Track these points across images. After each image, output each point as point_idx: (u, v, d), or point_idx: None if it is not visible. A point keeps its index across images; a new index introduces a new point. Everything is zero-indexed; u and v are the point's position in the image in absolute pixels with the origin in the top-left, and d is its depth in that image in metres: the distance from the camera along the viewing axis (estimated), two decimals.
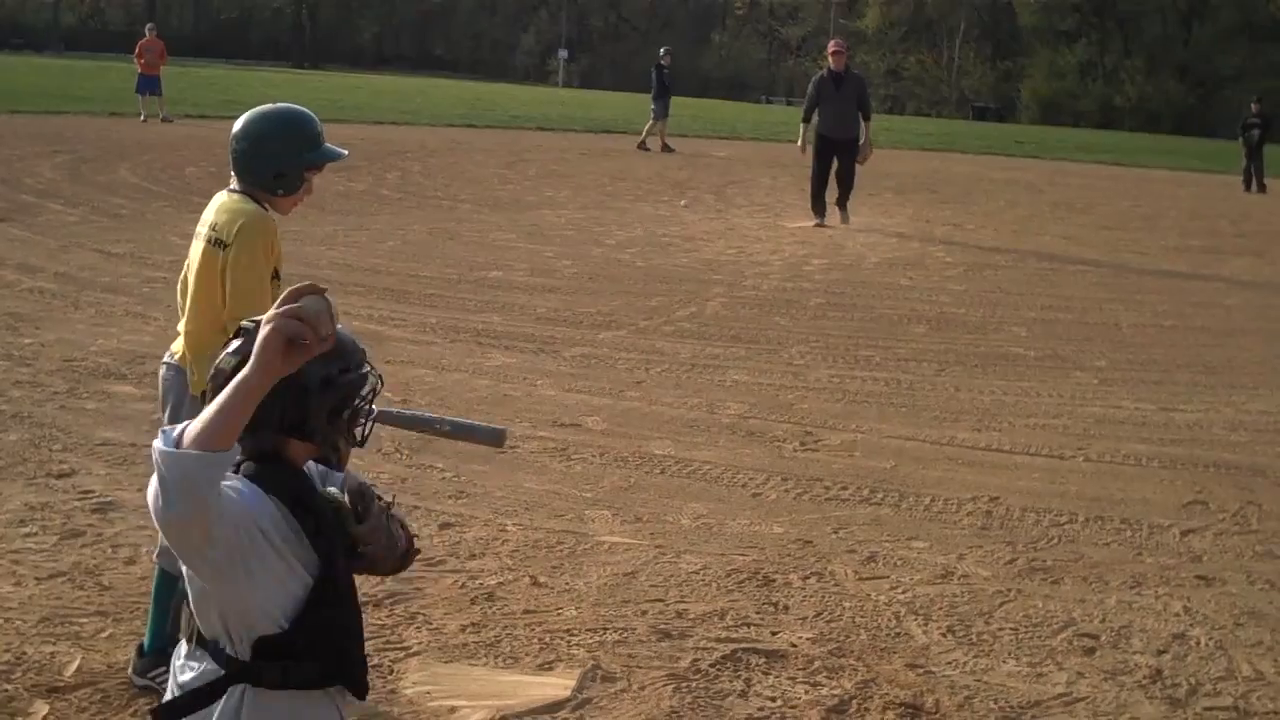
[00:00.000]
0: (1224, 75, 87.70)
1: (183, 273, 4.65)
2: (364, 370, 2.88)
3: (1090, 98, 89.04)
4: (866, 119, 18.94)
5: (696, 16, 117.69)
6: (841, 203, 19.35)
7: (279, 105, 4.57)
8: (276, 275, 4.48)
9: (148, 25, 35.35)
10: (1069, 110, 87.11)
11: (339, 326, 2.77)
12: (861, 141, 18.96)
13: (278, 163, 4.44)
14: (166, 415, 4.60)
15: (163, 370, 4.67)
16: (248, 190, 4.49)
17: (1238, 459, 8.20)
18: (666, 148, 33.31)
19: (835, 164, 19.13)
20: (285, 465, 2.74)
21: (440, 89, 68.53)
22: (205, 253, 4.45)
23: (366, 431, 2.95)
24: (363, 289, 12.15)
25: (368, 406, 2.92)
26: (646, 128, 33.95)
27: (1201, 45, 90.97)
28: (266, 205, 4.51)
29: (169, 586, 4.48)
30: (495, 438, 4.03)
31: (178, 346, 4.59)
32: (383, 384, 2.93)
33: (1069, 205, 26.54)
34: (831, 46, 20.12)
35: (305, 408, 2.76)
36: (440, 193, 21.00)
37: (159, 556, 4.64)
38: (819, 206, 19.31)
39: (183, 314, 4.61)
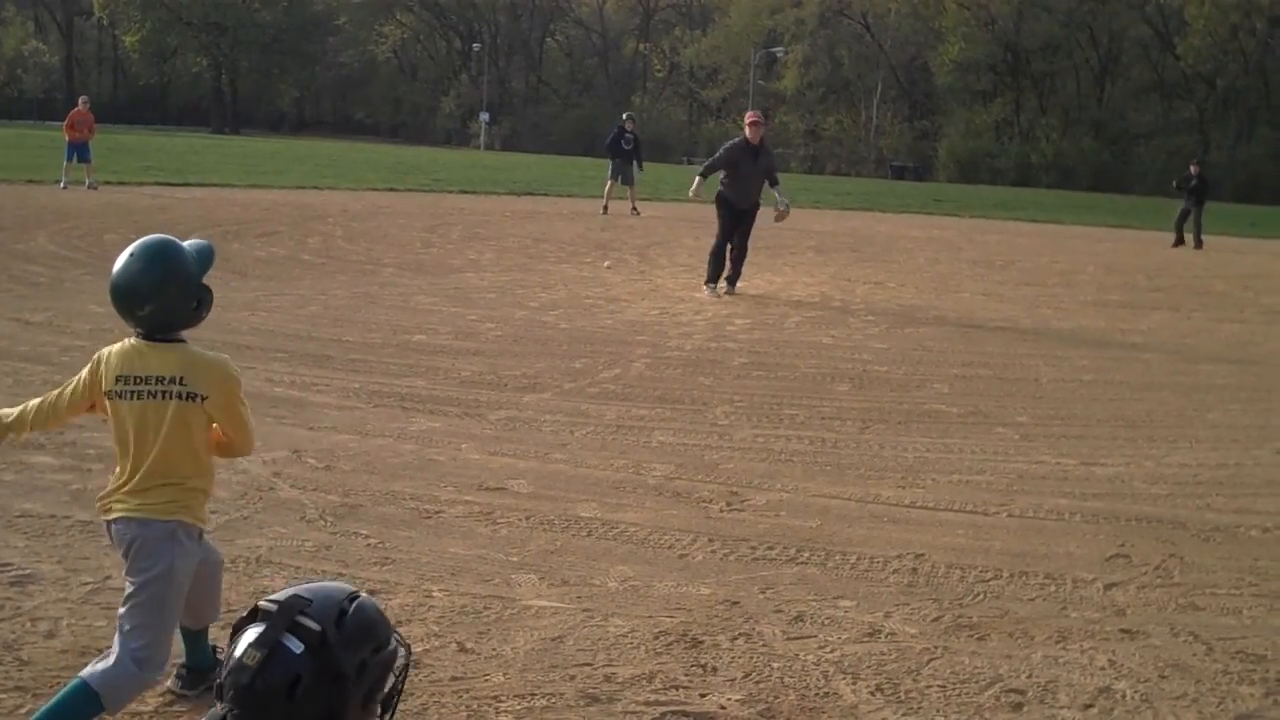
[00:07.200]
0: (1137, 132, 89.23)
1: (125, 433, 4.48)
2: (393, 646, 2.77)
3: (1007, 156, 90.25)
4: (775, 184, 18.76)
5: (616, 79, 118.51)
6: (734, 277, 18.74)
7: (150, 250, 4.41)
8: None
9: (81, 98, 35.08)
10: (986, 168, 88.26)
11: (363, 598, 2.71)
12: (781, 205, 18.82)
13: (190, 297, 4.44)
14: (152, 574, 4.44)
15: (120, 529, 4.47)
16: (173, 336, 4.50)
17: (1159, 512, 8.28)
18: (634, 210, 33.85)
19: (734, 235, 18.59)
20: None
21: (361, 153, 68.52)
22: (179, 411, 4.41)
23: (396, 706, 2.85)
24: (285, 354, 12.07)
25: (400, 684, 2.81)
26: (607, 190, 34.58)
27: (1115, 103, 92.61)
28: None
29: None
30: None
31: (133, 504, 4.45)
32: (411, 654, 2.84)
33: (988, 262, 26.84)
34: (750, 118, 19.29)
35: (343, 697, 2.65)
36: (362, 257, 20.93)
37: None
38: (718, 273, 18.62)
39: (130, 471, 4.46)
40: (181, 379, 4.41)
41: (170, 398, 4.41)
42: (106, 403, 4.48)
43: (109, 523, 4.51)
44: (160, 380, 4.41)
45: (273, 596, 2.68)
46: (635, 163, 34.74)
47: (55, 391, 4.63)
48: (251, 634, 2.60)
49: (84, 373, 4.56)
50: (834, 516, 7.87)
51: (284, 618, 2.60)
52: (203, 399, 4.43)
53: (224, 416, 4.53)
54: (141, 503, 4.44)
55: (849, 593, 6.53)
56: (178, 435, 4.44)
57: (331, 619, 2.62)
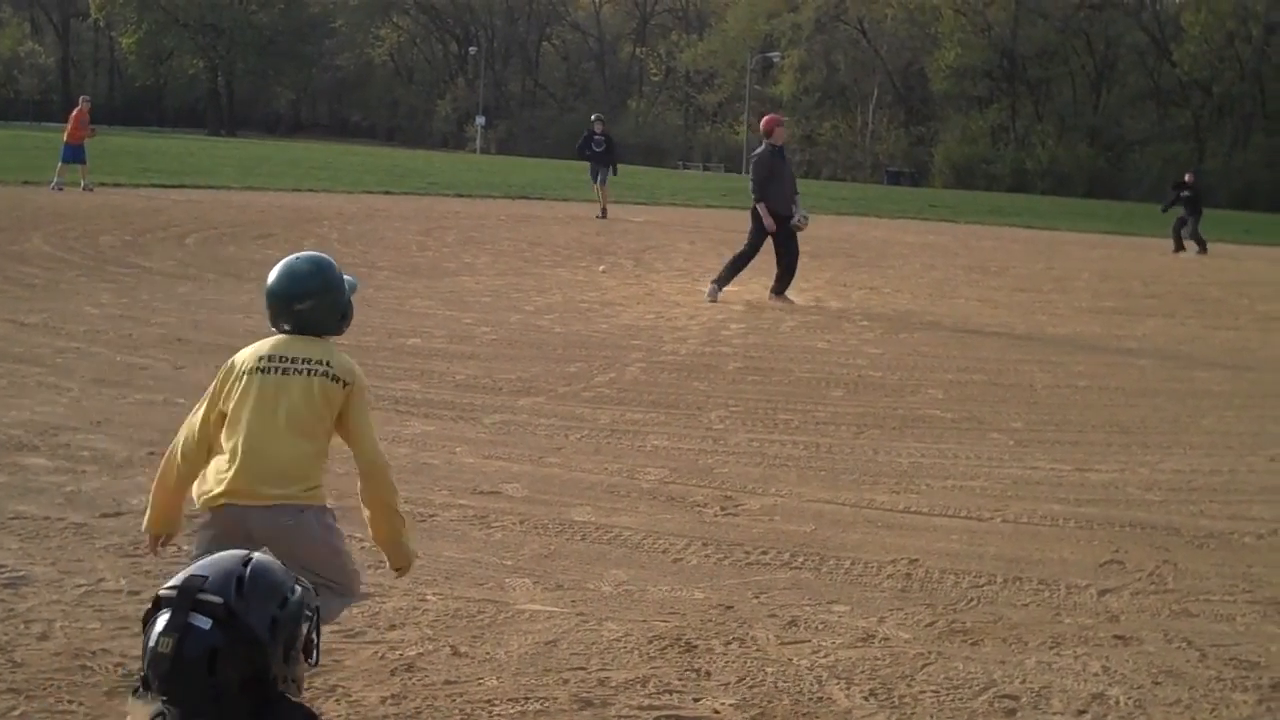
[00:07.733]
0: (1132, 139, 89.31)
1: (244, 410, 4.75)
2: (299, 594, 2.82)
3: (1002, 162, 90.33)
4: (796, 193, 18.48)
5: (613, 84, 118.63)
6: (782, 290, 18.47)
7: (315, 259, 4.98)
8: None
9: (83, 97, 35.00)
10: (981, 174, 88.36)
11: (257, 558, 2.76)
12: (799, 217, 18.35)
13: (339, 308, 4.96)
14: (333, 564, 4.91)
15: (280, 519, 4.68)
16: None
17: (1153, 518, 8.28)
18: (603, 213, 33.87)
19: (778, 244, 18.30)
20: None
21: (357, 156, 68.47)
22: (323, 387, 4.80)
23: (318, 647, 2.92)
24: None
25: (314, 626, 2.87)
26: (595, 193, 34.68)
27: (1110, 109, 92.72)
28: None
29: None
30: None
31: (294, 488, 4.72)
32: (315, 594, 2.91)
33: (983, 268, 26.86)
34: (777, 119, 19.08)
35: (263, 656, 2.71)
36: (358, 260, 20.89)
37: None
38: (729, 280, 18.48)
39: (243, 452, 4.69)
40: (328, 364, 4.82)
41: (314, 375, 4.79)
42: (231, 385, 4.76)
43: (245, 509, 4.65)
44: (308, 361, 4.81)
45: (171, 583, 2.76)
46: (610, 165, 34.64)
47: (178, 452, 4.82)
48: (160, 623, 2.66)
49: (210, 391, 4.85)
50: (828, 521, 7.87)
51: (185, 599, 2.68)
52: (345, 384, 4.83)
53: (362, 415, 4.90)
54: (302, 488, 4.75)
55: (843, 598, 6.53)
56: (309, 407, 4.77)
57: (231, 587, 2.70)
